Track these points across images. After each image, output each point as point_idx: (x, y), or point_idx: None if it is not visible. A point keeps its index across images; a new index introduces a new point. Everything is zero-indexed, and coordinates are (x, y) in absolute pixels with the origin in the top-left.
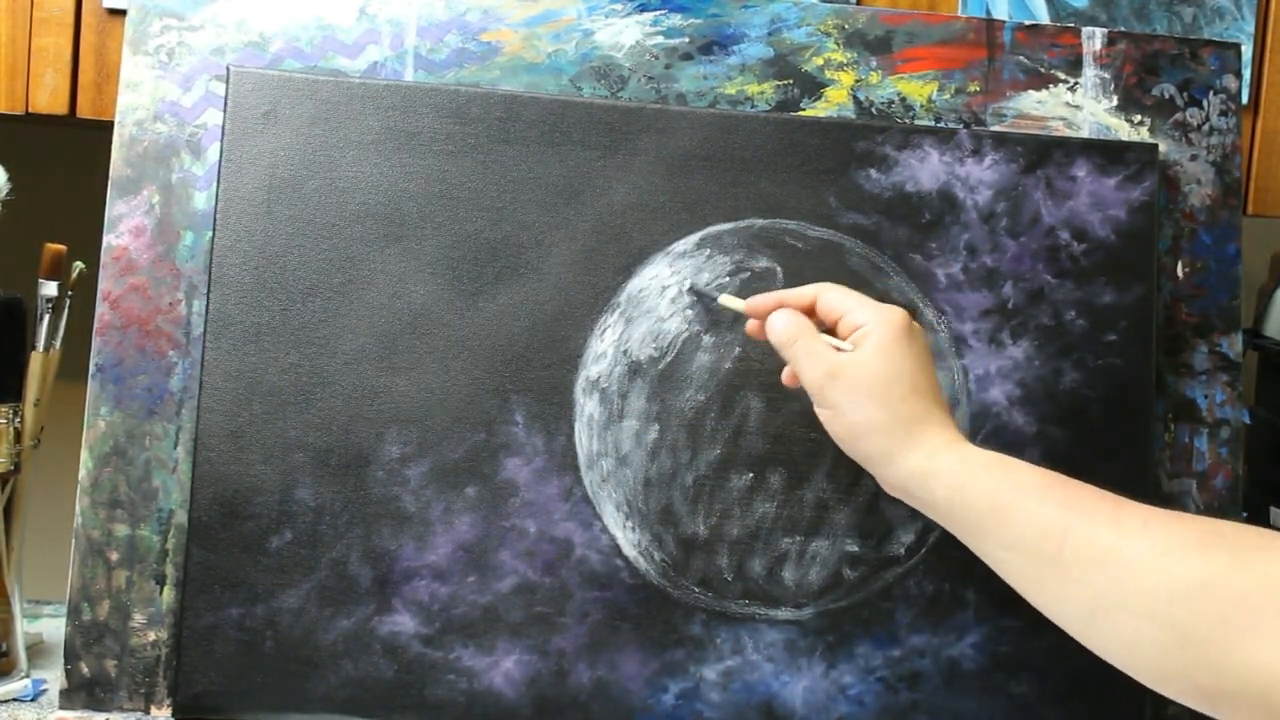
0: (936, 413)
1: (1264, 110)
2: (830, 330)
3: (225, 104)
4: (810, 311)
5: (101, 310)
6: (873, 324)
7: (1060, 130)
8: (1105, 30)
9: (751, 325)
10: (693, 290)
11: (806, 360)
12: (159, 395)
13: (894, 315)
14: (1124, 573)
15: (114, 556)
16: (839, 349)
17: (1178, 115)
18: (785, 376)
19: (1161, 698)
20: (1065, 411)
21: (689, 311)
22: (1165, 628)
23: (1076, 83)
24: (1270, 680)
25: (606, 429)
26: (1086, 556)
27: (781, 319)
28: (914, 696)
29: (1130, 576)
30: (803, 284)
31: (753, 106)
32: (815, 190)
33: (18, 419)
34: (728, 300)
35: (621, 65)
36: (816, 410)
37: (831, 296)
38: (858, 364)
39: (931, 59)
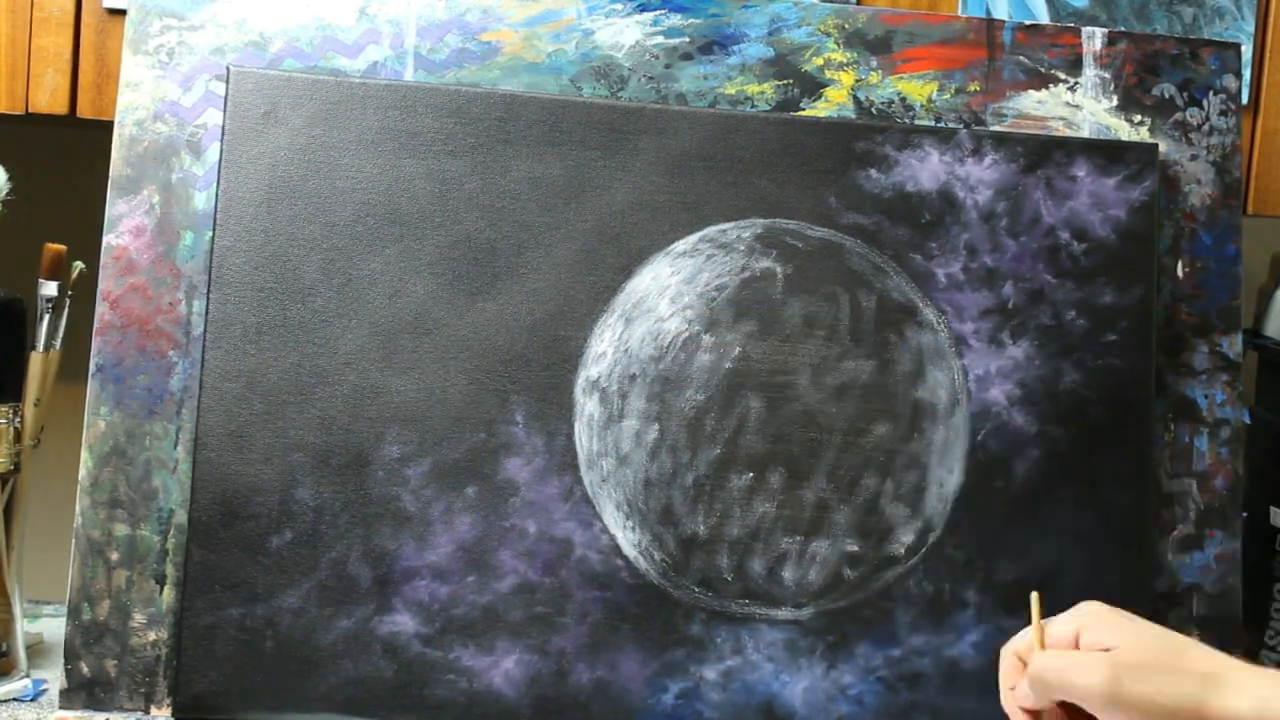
0: (1217, 654)
1: (1264, 110)
2: None
3: (225, 104)
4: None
5: (101, 310)
6: (1092, 616)
7: (1060, 130)
8: (1105, 30)
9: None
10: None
11: (1079, 673)
12: (159, 395)
13: (1095, 605)
14: None
15: (114, 556)
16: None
17: (1178, 115)
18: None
19: None
20: (1065, 411)
21: (688, 311)
22: None
23: (1076, 83)
24: None
25: (606, 429)
26: None
27: (1022, 689)
28: (914, 696)
29: None
30: (804, 284)
31: (753, 106)
32: (815, 190)
33: (18, 419)
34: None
35: (621, 65)
36: None
37: (1022, 640)
38: (1131, 640)
39: (931, 59)
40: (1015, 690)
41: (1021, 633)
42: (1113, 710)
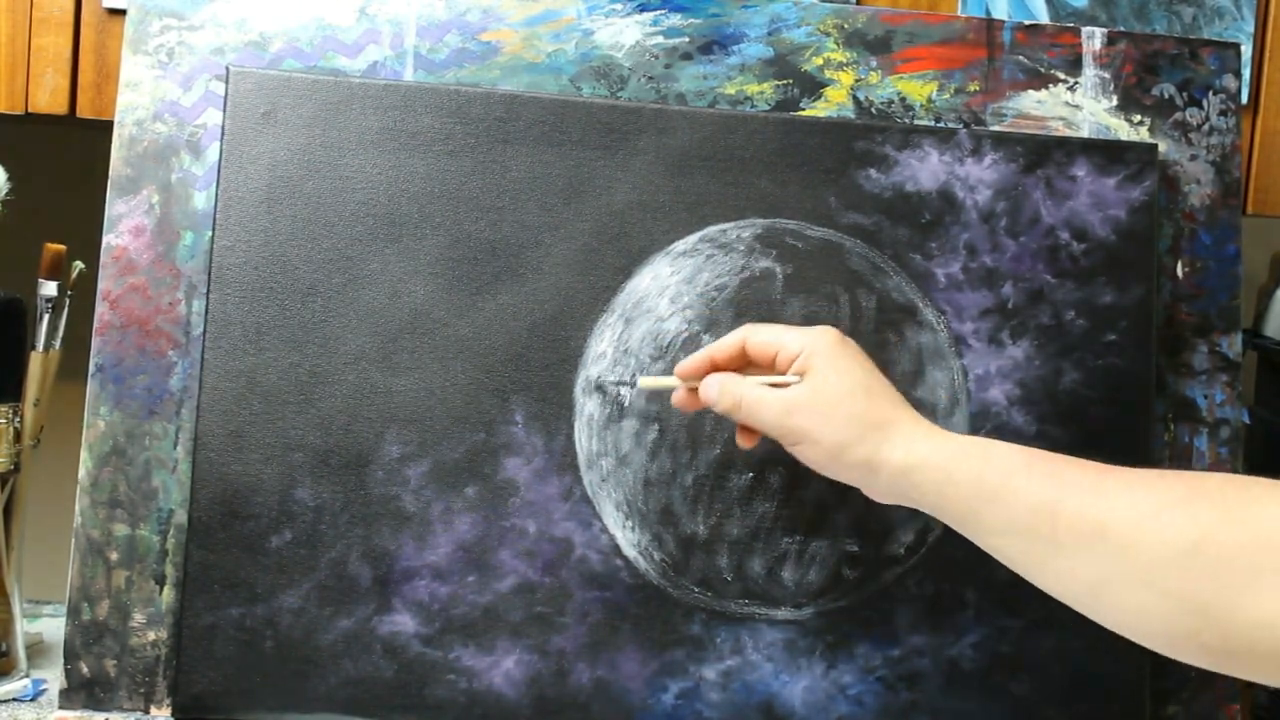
0: (902, 410)
1: (1264, 110)
2: (767, 370)
3: (225, 104)
4: (741, 357)
5: (101, 310)
6: (807, 347)
7: (1060, 130)
8: (1105, 30)
9: (679, 397)
10: (600, 387)
11: (759, 409)
12: (159, 395)
13: (824, 332)
14: (1116, 543)
15: (114, 556)
16: (783, 383)
17: (1177, 115)
18: (739, 440)
19: (1161, 698)
20: (1065, 411)
21: (688, 311)
22: (1165, 595)
23: (1076, 82)
24: (1277, 635)
25: (606, 429)
26: (1078, 530)
27: (714, 385)
28: (914, 696)
29: (1123, 546)
30: (804, 284)
31: (753, 106)
32: (815, 190)
33: (18, 419)
34: (649, 381)
35: (621, 65)
36: (790, 450)
37: (759, 336)
38: (810, 390)
39: (931, 59)
40: (709, 376)
41: (729, 340)
42: (789, 440)
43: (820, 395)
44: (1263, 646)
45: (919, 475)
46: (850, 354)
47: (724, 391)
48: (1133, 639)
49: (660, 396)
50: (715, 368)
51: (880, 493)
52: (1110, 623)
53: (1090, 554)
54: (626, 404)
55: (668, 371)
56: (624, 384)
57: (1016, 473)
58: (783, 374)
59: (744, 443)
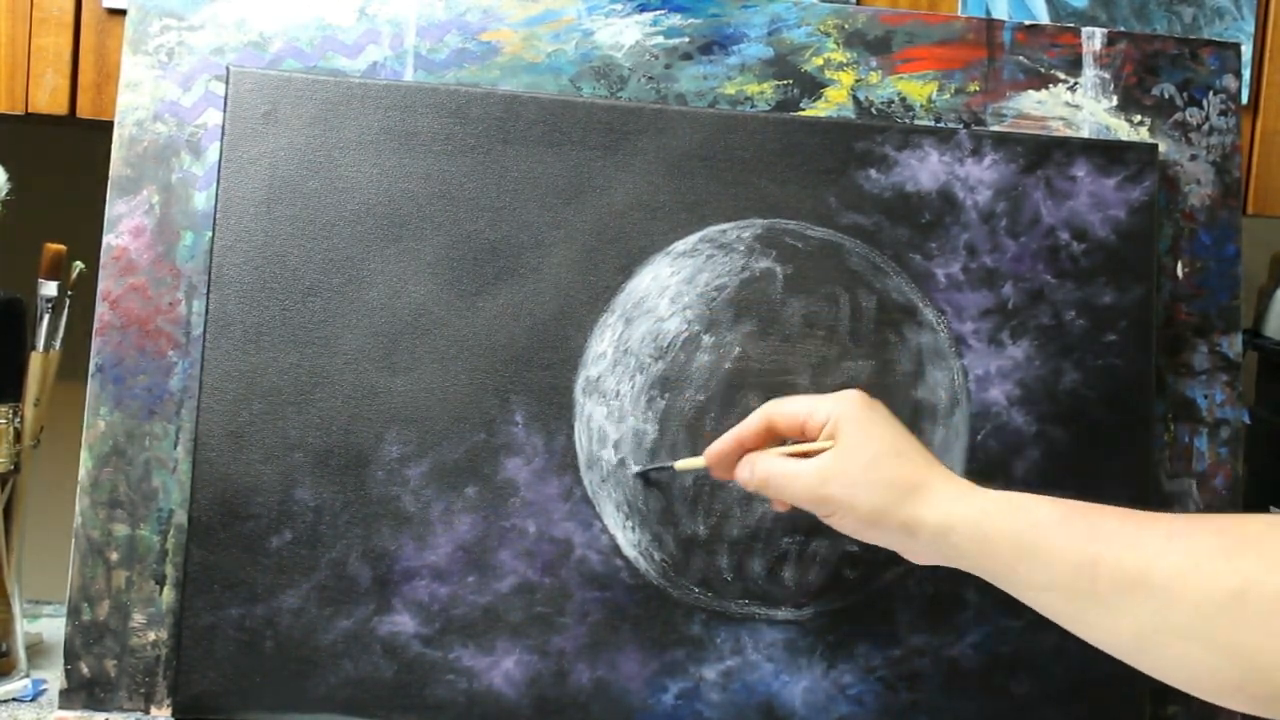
0: (935, 470)
1: (1264, 110)
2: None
3: (225, 104)
4: (767, 435)
5: (101, 310)
6: (833, 414)
7: (1060, 130)
8: (1105, 30)
9: (715, 475)
10: (642, 475)
11: (792, 484)
12: (159, 395)
13: (850, 397)
14: (1158, 595)
15: (114, 556)
16: (814, 450)
17: (1178, 115)
18: (775, 506)
19: (1161, 698)
20: (1065, 411)
21: (688, 311)
22: (1210, 646)
23: (1076, 83)
24: None
25: (606, 429)
26: (1119, 583)
27: (744, 470)
28: (914, 696)
29: (1166, 598)
30: (804, 284)
31: (753, 106)
32: (815, 190)
33: (18, 419)
34: (686, 464)
35: (621, 65)
36: (826, 521)
37: (784, 410)
38: (840, 457)
39: (931, 59)
40: (743, 459)
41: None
42: (823, 510)
43: (852, 462)
44: None
45: (956, 536)
46: (878, 416)
47: (755, 469)
48: (1180, 688)
49: (662, 397)
50: (744, 450)
51: (920, 555)
52: (1156, 673)
53: (1132, 606)
54: (666, 481)
55: (669, 371)
56: (663, 468)
57: (1052, 528)
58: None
59: (780, 508)
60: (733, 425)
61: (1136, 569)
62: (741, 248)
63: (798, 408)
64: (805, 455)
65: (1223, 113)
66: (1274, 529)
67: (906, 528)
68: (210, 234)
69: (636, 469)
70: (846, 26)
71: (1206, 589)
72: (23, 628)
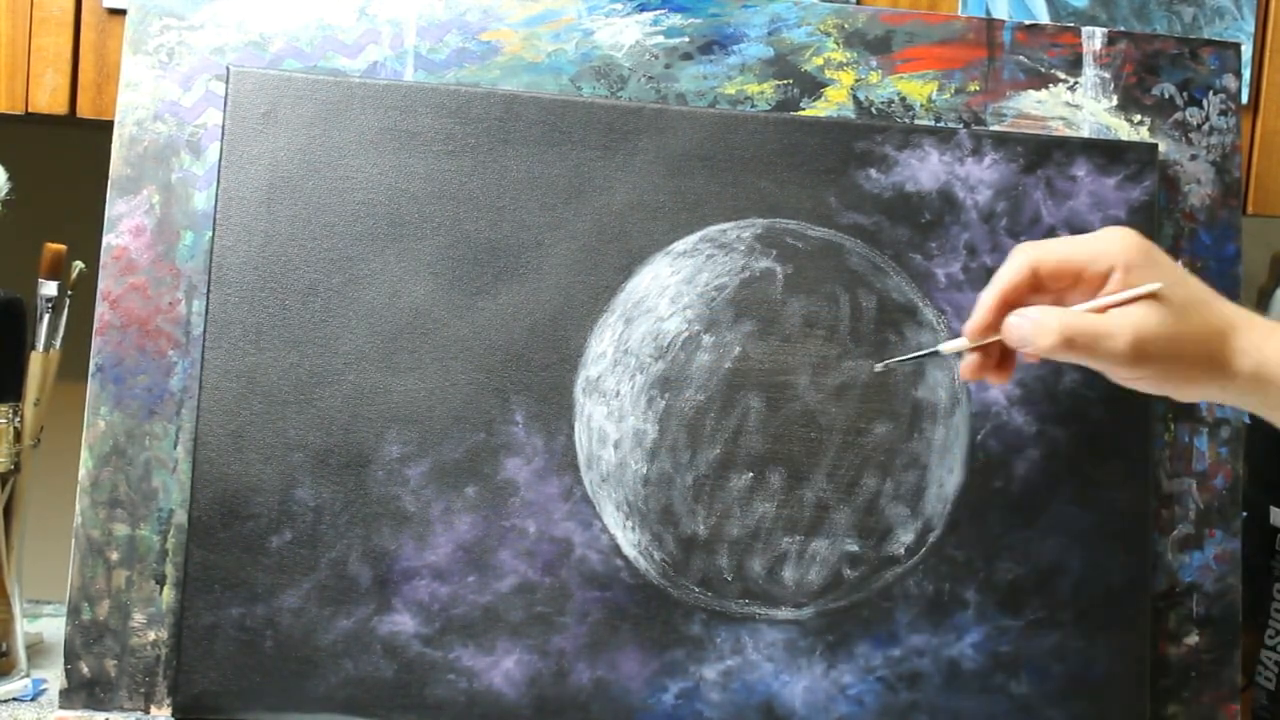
0: (1238, 309)
1: (1264, 110)
2: (1059, 299)
3: (225, 104)
4: (1030, 288)
5: (101, 310)
6: (1125, 256)
7: (1060, 130)
8: (1105, 30)
9: (967, 368)
10: (899, 362)
11: (1107, 343)
12: (159, 395)
13: (1130, 235)
14: None
15: (114, 556)
16: (1125, 300)
17: (1177, 115)
18: (986, 374)
19: (1161, 698)
20: (1065, 411)
21: (688, 311)
22: None
23: (1076, 82)
24: None
25: (606, 429)
26: None
27: (1029, 325)
28: (914, 696)
29: None
30: (804, 284)
31: (753, 106)
32: (815, 190)
33: (18, 419)
34: (951, 345)
35: (621, 65)
36: (1131, 383)
37: (1053, 256)
38: (1152, 310)
39: (931, 59)
40: (1012, 314)
41: (1046, 249)
42: (1138, 371)
43: (1170, 313)
44: None
45: (1272, 372)
46: (1166, 257)
47: (1043, 326)
48: None
49: (662, 397)
50: (1009, 308)
51: (1228, 398)
52: None
53: None
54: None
55: (669, 371)
56: (921, 356)
57: None
58: (1091, 295)
59: (995, 377)
60: (733, 425)
61: None
62: (741, 248)
63: (1071, 251)
64: (1100, 310)
65: (1223, 112)
66: None
67: (1223, 375)
68: (210, 234)
69: (881, 365)
70: (846, 26)
71: None
72: (23, 628)
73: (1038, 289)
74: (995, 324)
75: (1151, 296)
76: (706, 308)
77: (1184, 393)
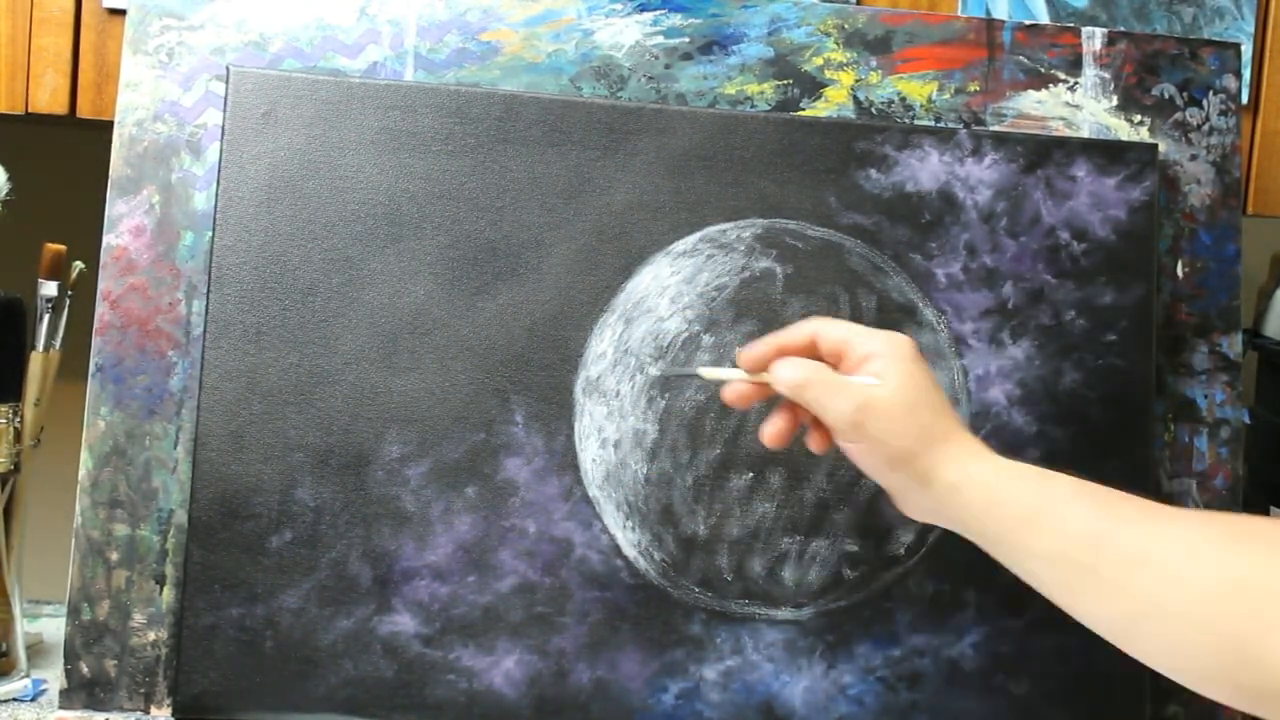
0: (961, 429)
1: (1264, 110)
2: (833, 364)
3: (225, 104)
4: (808, 351)
5: (101, 310)
6: (886, 352)
7: (1060, 130)
8: (1105, 30)
9: (734, 391)
10: (665, 376)
11: (832, 398)
12: (159, 395)
13: (903, 339)
14: (1160, 576)
15: (114, 556)
16: (858, 384)
17: (1178, 115)
18: (813, 443)
19: (1161, 698)
20: (1065, 411)
21: (688, 311)
22: (1203, 630)
23: (1076, 83)
24: None
25: (607, 429)
26: (1122, 560)
27: (790, 367)
28: (914, 696)
29: (1165, 579)
30: (804, 284)
31: (753, 106)
32: (815, 190)
33: (18, 419)
34: (711, 372)
35: (621, 65)
36: (845, 447)
37: (830, 330)
38: (887, 394)
39: (931, 59)
40: (773, 365)
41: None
42: (852, 436)
43: (895, 401)
44: None
45: (970, 493)
46: (924, 367)
47: (800, 370)
48: (1163, 673)
49: (662, 397)
50: (781, 356)
51: (921, 507)
52: (1142, 655)
53: (1131, 585)
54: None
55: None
56: (686, 375)
57: (1066, 499)
58: (850, 373)
59: (816, 447)
60: (733, 425)
61: (1140, 549)
62: (741, 248)
63: (846, 333)
64: None
65: (1223, 113)
66: (1278, 525)
67: (924, 476)
68: (210, 234)
69: (656, 371)
70: (846, 26)
71: (1207, 575)
72: (23, 628)
73: (814, 354)
74: (764, 365)
75: (894, 387)
76: (706, 308)
77: (890, 482)
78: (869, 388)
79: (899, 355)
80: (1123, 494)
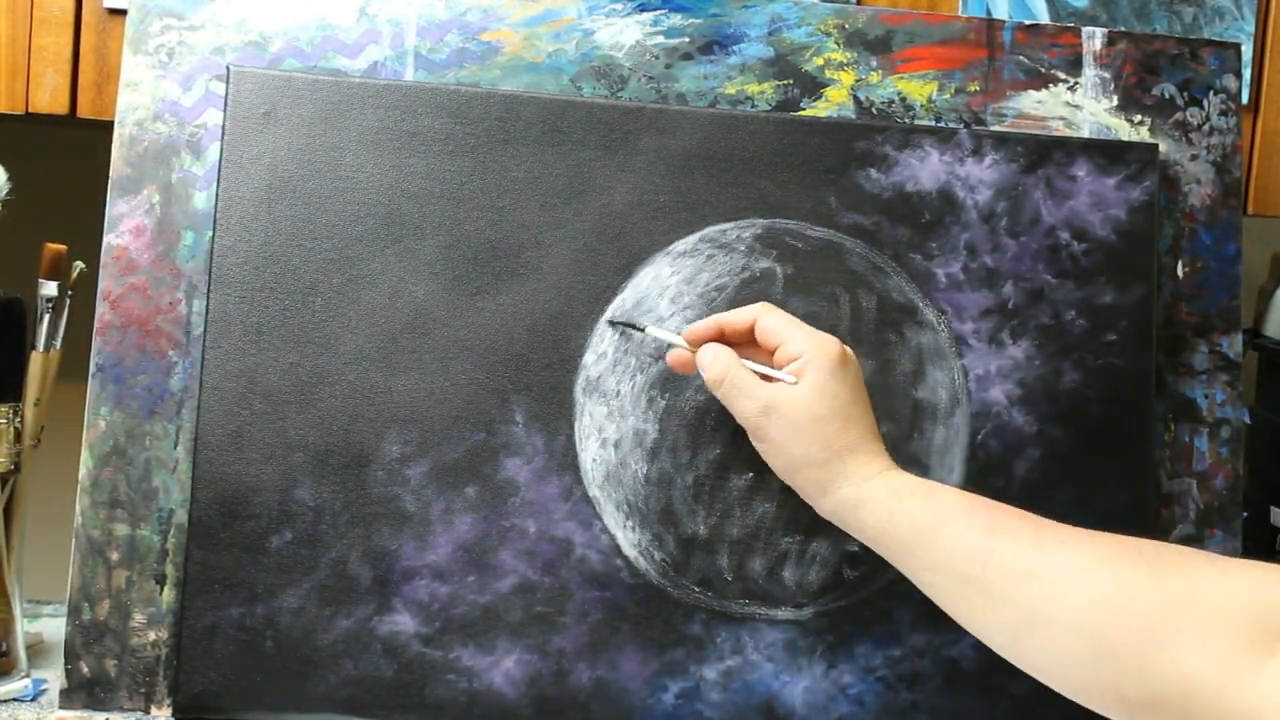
0: (869, 443)
1: (1264, 110)
2: (767, 356)
3: (225, 104)
4: (748, 334)
5: (101, 310)
6: (809, 356)
7: (1060, 130)
8: (1105, 30)
9: (676, 356)
10: (613, 323)
11: (740, 398)
12: (159, 395)
13: (830, 347)
14: (1046, 589)
15: (114, 556)
16: (775, 378)
17: (1178, 115)
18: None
19: None
20: (1065, 411)
21: (689, 311)
22: (1089, 641)
23: (1076, 82)
24: (1190, 689)
25: (607, 429)
26: (1009, 575)
27: (709, 355)
28: (914, 696)
29: (1052, 592)
30: (804, 284)
31: (753, 106)
32: (815, 190)
33: (18, 419)
34: (657, 331)
35: (621, 65)
36: (754, 443)
37: (769, 322)
38: (794, 400)
39: (931, 59)
40: (700, 350)
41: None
42: (755, 436)
43: (801, 409)
44: (1175, 699)
45: (864, 511)
46: (847, 375)
47: (715, 361)
48: (1046, 682)
49: (662, 397)
50: (721, 337)
51: (824, 514)
52: (1027, 664)
53: (1016, 596)
54: (634, 339)
55: (669, 371)
56: (633, 326)
57: (957, 517)
58: (779, 369)
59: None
60: (733, 426)
61: (1028, 563)
62: (742, 248)
63: (781, 327)
64: (766, 379)
65: (1223, 113)
66: (1165, 549)
67: (823, 488)
68: (210, 234)
69: (611, 319)
70: (847, 26)
71: (1096, 588)
72: (23, 628)
73: (753, 341)
74: (705, 339)
75: (801, 394)
76: (707, 308)
77: (794, 483)
78: (776, 393)
79: (820, 363)
80: (1017, 511)
